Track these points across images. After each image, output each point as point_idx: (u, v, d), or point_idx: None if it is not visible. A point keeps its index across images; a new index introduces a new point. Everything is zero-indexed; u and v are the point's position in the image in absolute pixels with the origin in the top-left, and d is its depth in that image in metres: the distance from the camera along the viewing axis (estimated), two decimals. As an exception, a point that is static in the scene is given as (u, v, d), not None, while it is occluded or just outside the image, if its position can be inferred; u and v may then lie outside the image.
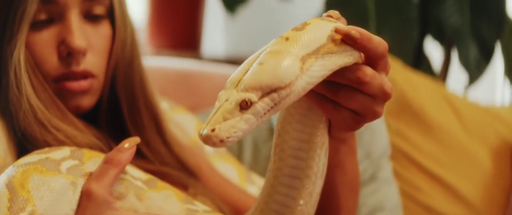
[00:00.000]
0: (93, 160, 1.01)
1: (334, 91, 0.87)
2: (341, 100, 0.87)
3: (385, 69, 0.88)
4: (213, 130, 0.79)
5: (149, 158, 1.18)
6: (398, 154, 1.86)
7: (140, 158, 1.15)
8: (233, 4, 2.62)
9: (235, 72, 0.83)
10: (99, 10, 1.16)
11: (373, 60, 0.86)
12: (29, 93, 1.09)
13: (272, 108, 0.81)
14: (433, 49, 2.69)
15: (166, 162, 1.19)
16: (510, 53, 2.52)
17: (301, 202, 0.91)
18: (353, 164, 1.04)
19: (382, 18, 2.34)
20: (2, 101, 1.11)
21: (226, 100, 0.80)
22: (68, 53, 1.12)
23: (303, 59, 0.82)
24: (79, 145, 1.08)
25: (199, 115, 1.55)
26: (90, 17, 1.16)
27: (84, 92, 1.15)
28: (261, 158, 1.62)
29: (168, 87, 1.74)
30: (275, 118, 0.92)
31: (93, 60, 1.15)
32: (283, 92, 0.81)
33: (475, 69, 2.40)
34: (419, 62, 2.49)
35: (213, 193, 1.21)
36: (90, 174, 0.98)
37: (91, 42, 1.15)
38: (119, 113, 1.19)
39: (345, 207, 1.05)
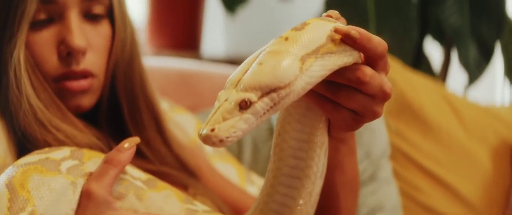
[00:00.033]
0: (93, 160, 1.01)
1: (333, 91, 0.87)
2: (340, 100, 0.87)
3: (384, 69, 0.88)
4: (212, 130, 0.79)
5: (149, 157, 1.18)
6: (397, 154, 1.86)
7: (140, 157, 1.15)
8: (233, 4, 2.62)
9: (234, 72, 0.83)
10: (98, 9, 1.16)
11: (372, 60, 0.86)
12: (29, 93, 1.09)
13: (271, 107, 0.81)
14: (432, 49, 2.69)
15: (166, 162, 1.19)
16: (510, 53, 2.52)
17: (301, 202, 0.91)
18: (353, 164, 1.04)
19: (382, 18, 2.34)
20: (2, 101, 1.11)
21: (226, 100, 0.80)
22: (68, 53, 1.12)
23: (303, 59, 0.82)
24: (79, 145, 1.08)
25: (199, 115, 1.55)
26: (89, 17, 1.16)
27: (84, 91, 1.15)
28: (261, 158, 1.62)
29: (168, 87, 1.74)
30: (274, 117, 0.92)
31: (93, 60, 1.15)
32: (283, 92, 0.81)
33: (475, 69, 2.40)
34: (419, 62, 2.49)
35: (213, 193, 1.21)
36: (90, 174, 0.98)
37: (90, 42, 1.15)
38: (119, 113, 1.19)
39: (345, 207, 1.05)
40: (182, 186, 1.16)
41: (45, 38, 1.13)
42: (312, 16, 0.96)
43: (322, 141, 0.91)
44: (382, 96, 0.87)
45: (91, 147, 1.10)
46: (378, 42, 0.86)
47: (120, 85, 1.18)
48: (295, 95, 0.82)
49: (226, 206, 1.20)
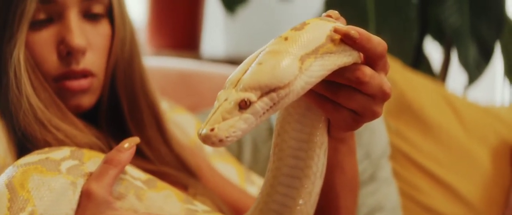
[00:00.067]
0: (93, 160, 1.01)
1: (333, 91, 0.87)
2: (340, 100, 0.87)
3: (384, 69, 0.88)
4: (212, 130, 0.79)
5: (149, 157, 1.18)
6: (397, 154, 1.86)
7: (140, 157, 1.15)
8: (233, 4, 2.62)
9: (234, 72, 0.83)
10: (98, 9, 1.16)
11: (372, 60, 0.87)
12: (29, 93, 1.09)
13: (271, 107, 0.81)
14: (432, 49, 2.69)
15: (166, 162, 1.19)
16: (509, 53, 2.52)
17: (300, 201, 0.91)
18: (353, 164, 1.04)
19: (382, 18, 2.34)
20: (2, 101, 1.11)
21: (225, 100, 0.80)
22: (67, 53, 1.13)
23: (302, 59, 0.82)
24: (79, 145, 1.08)
25: (199, 115, 1.55)
26: (89, 16, 1.16)
27: (84, 91, 1.15)
28: (261, 158, 1.62)
29: (168, 87, 1.74)
30: (274, 117, 0.92)
31: (93, 59, 1.15)
32: (282, 92, 0.81)
33: (475, 69, 2.40)
34: (419, 62, 2.49)
35: (213, 193, 1.21)
36: (90, 174, 0.98)
37: (90, 41, 1.15)
38: (119, 112, 1.19)
39: (344, 207, 1.05)
40: (182, 186, 1.16)
41: (45, 38, 1.13)
42: (312, 16, 0.96)
43: (321, 141, 0.91)
44: (382, 96, 0.87)
45: (91, 147, 1.10)
46: (378, 42, 0.86)
47: (120, 84, 1.19)
48: (294, 95, 0.82)
49: (226, 206, 1.20)
